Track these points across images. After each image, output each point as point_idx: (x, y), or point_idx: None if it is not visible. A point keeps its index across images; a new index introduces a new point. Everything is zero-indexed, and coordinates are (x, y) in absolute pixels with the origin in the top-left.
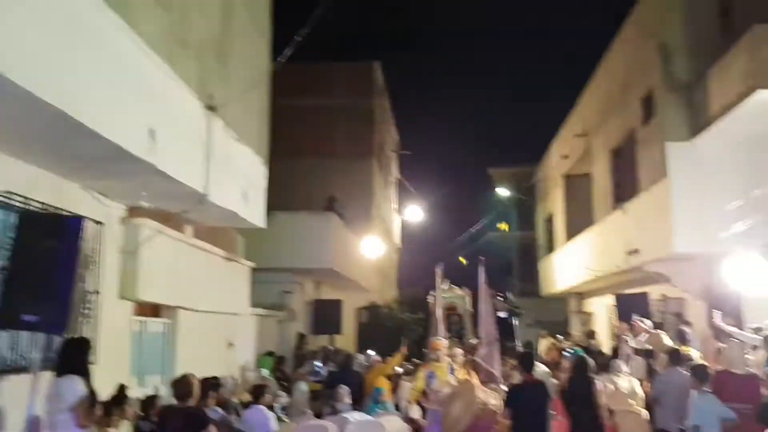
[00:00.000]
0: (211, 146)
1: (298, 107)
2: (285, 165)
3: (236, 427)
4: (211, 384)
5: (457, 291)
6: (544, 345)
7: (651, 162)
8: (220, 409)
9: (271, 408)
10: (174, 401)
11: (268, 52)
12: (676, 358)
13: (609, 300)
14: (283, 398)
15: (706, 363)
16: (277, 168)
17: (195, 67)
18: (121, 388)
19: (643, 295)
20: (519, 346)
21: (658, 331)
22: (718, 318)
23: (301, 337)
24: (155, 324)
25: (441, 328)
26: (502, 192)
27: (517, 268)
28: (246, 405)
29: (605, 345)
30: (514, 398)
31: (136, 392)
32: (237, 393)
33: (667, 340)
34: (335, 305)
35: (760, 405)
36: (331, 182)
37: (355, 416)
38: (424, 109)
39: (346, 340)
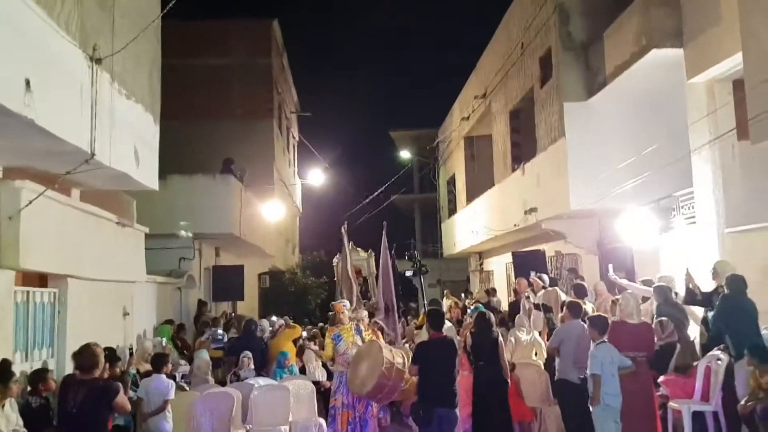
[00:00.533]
0: (97, 102)
1: (193, 67)
2: (180, 128)
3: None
4: (107, 356)
5: (362, 253)
6: (446, 304)
7: (549, 122)
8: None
9: (173, 377)
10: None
11: (158, 3)
12: (575, 310)
13: (507, 258)
14: (184, 367)
15: (603, 314)
16: (171, 131)
17: (76, 15)
18: (3, 364)
19: (539, 252)
20: (425, 305)
21: (555, 287)
22: (611, 271)
23: (202, 305)
24: (42, 294)
25: (351, 289)
26: (405, 155)
27: (420, 230)
28: (144, 375)
29: (504, 301)
30: (422, 355)
31: (21, 367)
32: (135, 363)
33: (563, 295)
34: (236, 271)
35: (653, 353)
36: (229, 145)
37: (260, 381)
38: (323, 70)
39: (248, 306)
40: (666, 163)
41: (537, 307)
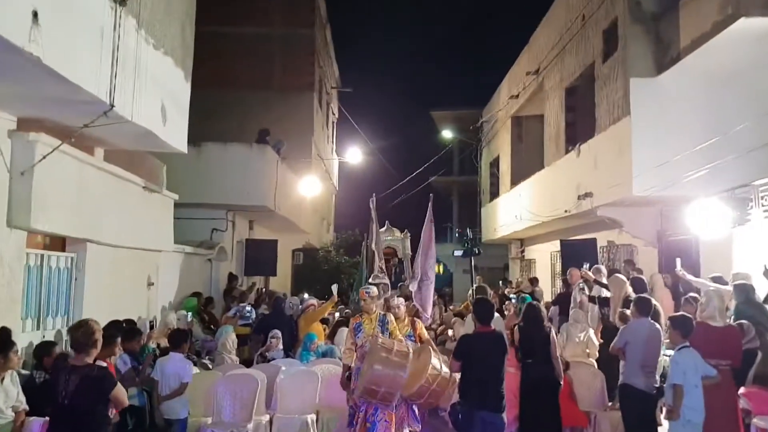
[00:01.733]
0: (119, 47)
1: (233, 35)
2: (216, 96)
3: (148, 377)
4: (125, 329)
5: (397, 233)
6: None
7: (611, 100)
8: (129, 358)
9: (197, 353)
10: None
11: None
12: (644, 307)
13: (552, 247)
14: (211, 343)
15: (686, 314)
16: (207, 98)
17: None
18: (2, 332)
19: (591, 241)
20: (473, 291)
21: (621, 276)
22: (678, 266)
23: (232, 278)
24: (58, 258)
25: (379, 270)
26: (447, 134)
27: (458, 213)
28: (164, 351)
29: (547, 292)
30: (466, 350)
31: (31, 336)
32: (156, 337)
33: (629, 288)
34: (270, 245)
35: (739, 362)
36: (267, 117)
37: (288, 364)
38: (366, 47)
39: (280, 282)
40: (745, 149)
41: (592, 300)
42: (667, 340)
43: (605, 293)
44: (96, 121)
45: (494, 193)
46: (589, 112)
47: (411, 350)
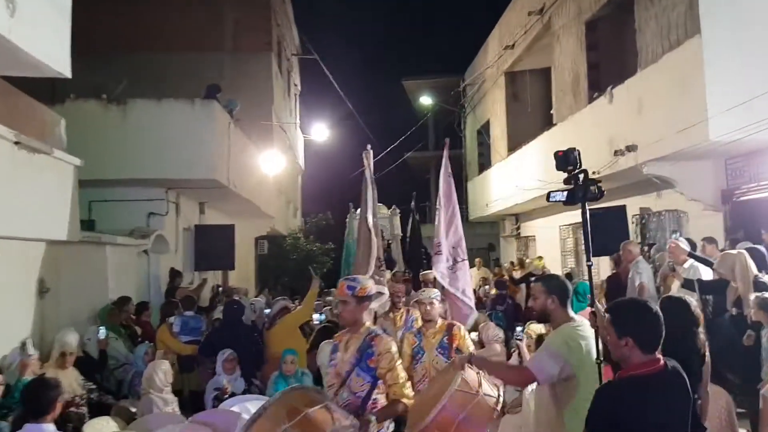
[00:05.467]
0: None
1: None
2: (161, 60)
3: None
4: None
5: (383, 210)
6: (476, 276)
7: (664, 20)
8: None
9: (113, 391)
10: None
11: None
12: None
13: (560, 220)
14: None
15: None
16: (149, 64)
17: None
18: None
19: (618, 209)
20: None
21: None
22: None
23: (175, 275)
24: None
25: (370, 253)
26: (425, 100)
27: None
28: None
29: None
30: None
31: None
32: (48, 365)
33: (752, 266)
34: (225, 232)
35: None
36: (220, 82)
37: (251, 407)
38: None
39: (242, 276)
40: None
41: (688, 285)
42: None
43: (701, 274)
44: None
45: (483, 165)
46: (619, 47)
47: None
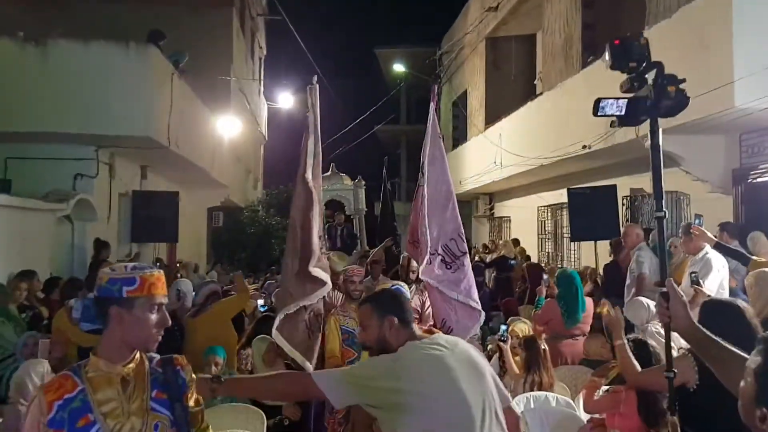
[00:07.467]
0: None
1: None
2: (106, 10)
3: None
4: None
5: (347, 180)
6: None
7: None
8: None
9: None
10: None
11: None
12: None
13: (538, 201)
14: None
15: None
16: (92, 13)
17: None
18: None
19: (607, 189)
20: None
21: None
22: None
23: (101, 247)
24: None
25: (310, 232)
26: (398, 68)
27: (407, 168)
28: None
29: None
30: None
31: None
32: None
33: None
34: (168, 199)
35: None
36: (175, 40)
37: None
38: None
39: (193, 251)
40: None
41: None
42: None
43: (713, 268)
44: None
45: (458, 140)
46: (620, 2)
47: None
